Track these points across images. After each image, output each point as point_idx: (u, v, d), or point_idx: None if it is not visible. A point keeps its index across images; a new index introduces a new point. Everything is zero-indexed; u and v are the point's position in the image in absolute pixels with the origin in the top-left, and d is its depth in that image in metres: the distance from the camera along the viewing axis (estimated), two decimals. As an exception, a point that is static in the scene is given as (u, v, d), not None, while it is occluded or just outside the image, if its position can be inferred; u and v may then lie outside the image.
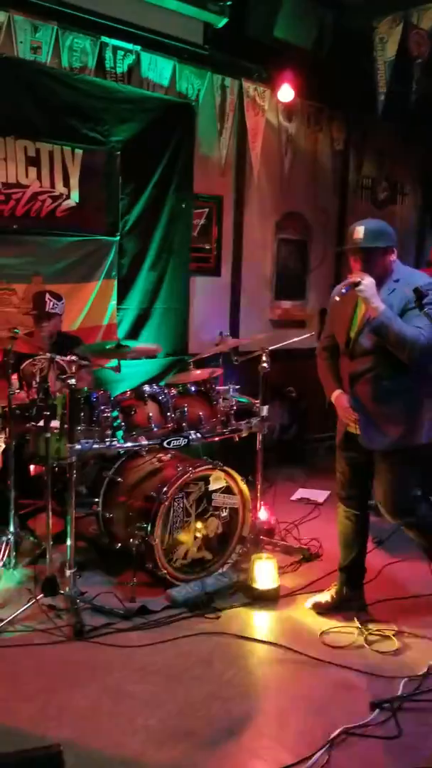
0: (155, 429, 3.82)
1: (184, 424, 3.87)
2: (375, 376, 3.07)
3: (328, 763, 2.37)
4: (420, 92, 5.40)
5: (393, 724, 2.58)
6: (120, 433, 3.74)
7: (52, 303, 4.22)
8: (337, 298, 3.07)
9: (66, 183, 4.77)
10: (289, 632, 3.29)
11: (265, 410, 4.09)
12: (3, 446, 3.99)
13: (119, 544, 3.79)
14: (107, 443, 3.63)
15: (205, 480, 3.74)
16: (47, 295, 4.23)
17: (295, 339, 4.65)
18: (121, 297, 5.23)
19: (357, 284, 2.93)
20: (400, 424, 3.09)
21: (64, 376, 3.48)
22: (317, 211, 6.89)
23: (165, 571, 3.57)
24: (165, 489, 3.57)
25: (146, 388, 3.95)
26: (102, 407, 3.65)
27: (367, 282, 2.93)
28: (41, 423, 3.56)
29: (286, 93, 5.94)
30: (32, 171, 4.60)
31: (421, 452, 3.18)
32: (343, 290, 3.01)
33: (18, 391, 3.78)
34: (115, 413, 3.78)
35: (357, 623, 3.32)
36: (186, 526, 3.68)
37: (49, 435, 3.52)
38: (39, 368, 3.86)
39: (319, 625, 3.32)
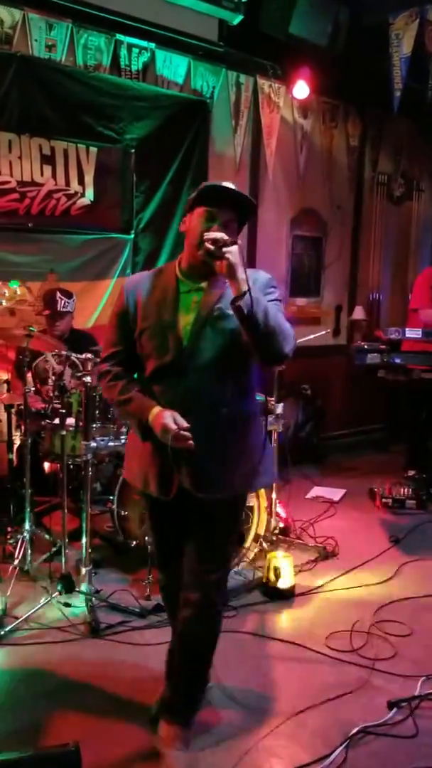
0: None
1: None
2: (220, 400, 2.21)
3: (345, 761, 2.35)
4: (436, 88, 5.37)
5: (410, 723, 2.56)
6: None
7: (63, 302, 4.22)
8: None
9: (81, 181, 4.77)
10: (306, 630, 3.27)
11: (279, 408, 4.08)
12: (18, 443, 4.01)
13: (134, 542, 3.79)
14: (122, 440, 3.63)
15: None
16: (58, 294, 4.23)
17: (311, 336, 4.64)
18: (136, 295, 5.22)
19: (225, 243, 2.05)
20: (247, 463, 2.30)
21: (79, 374, 3.49)
22: (332, 207, 6.85)
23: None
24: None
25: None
26: (117, 405, 3.64)
27: (237, 247, 2.06)
28: (56, 421, 3.57)
29: (301, 89, 5.92)
30: (47, 169, 4.60)
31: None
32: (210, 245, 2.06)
33: (32, 389, 3.78)
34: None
35: (371, 622, 3.29)
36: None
37: (64, 432, 3.52)
38: (51, 366, 3.88)
39: (335, 624, 3.30)
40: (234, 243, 2.06)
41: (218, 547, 2.35)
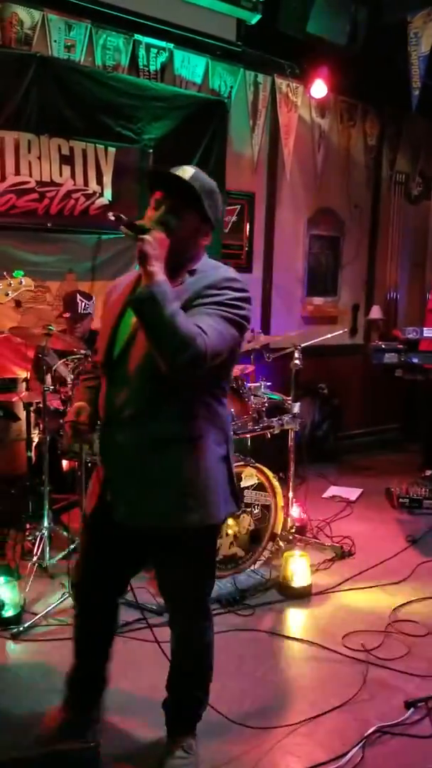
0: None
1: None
2: (145, 416, 1.97)
3: (362, 761, 2.36)
4: (455, 87, 5.34)
5: (427, 722, 2.55)
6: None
7: (83, 304, 4.26)
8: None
9: (99, 181, 4.81)
10: (323, 630, 3.27)
11: (296, 407, 4.08)
12: (37, 441, 4.04)
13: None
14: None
15: (238, 477, 3.73)
16: (78, 296, 4.26)
17: (328, 336, 4.64)
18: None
19: (142, 230, 1.83)
20: (174, 494, 2.02)
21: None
22: (350, 207, 6.84)
23: (197, 567, 3.57)
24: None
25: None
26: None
27: (158, 236, 1.85)
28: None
29: (318, 89, 5.92)
30: (66, 169, 4.64)
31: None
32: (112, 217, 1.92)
33: (51, 388, 3.82)
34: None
35: (388, 621, 3.29)
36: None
37: (82, 430, 3.54)
38: (72, 368, 3.91)
39: (352, 623, 3.30)
40: (150, 230, 1.84)
41: (177, 584, 2.18)
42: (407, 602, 3.50)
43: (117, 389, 2.00)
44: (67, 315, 4.26)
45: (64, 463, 4.08)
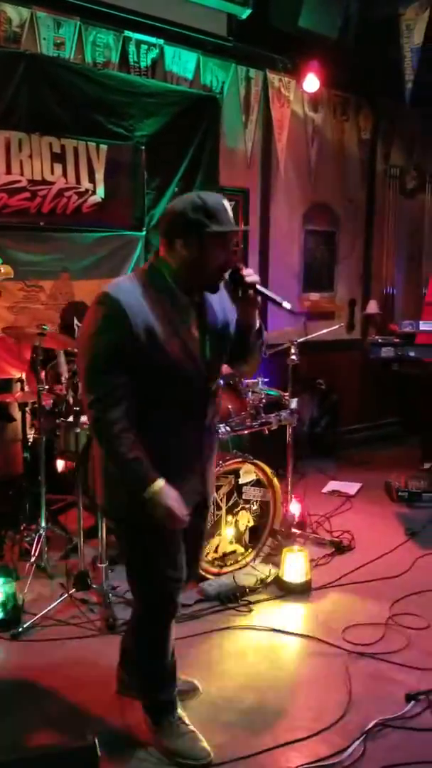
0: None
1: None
2: (212, 407, 2.29)
3: (364, 754, 2.35)
4: (448, 79, 5.32)
5: (428, 715, 2.55)
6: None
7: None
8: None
9: (91, 179, 4.78)
10: (322, 625, 3.26)
11: (294, 403, 4.06)
12: (32, 441, 4.03)
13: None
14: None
15: (236, 473, 3.72)
16: (76, 321, 4.24)
17: (324, 331, 4.62)
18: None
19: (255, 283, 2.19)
20: None
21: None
22: (345, 201, 6.82)
23: (196, 565, 3.56)
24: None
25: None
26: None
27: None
28: (71, 419, 3.58)
29: (311, 83, 5.89)
30: (57, 167, 4.61)
31: None
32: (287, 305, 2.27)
33: (46, 388, 3.80)
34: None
35: (388, 615, 3.28)
36: (217, 519, 3.66)
37: (78, 430, 3.53)
38: (62, 365, 3.88)
39: (352, 618, 3.29)
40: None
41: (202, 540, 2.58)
42: (407, 595, 3.48)
43: (210, 398, 2.25)
44: (59, 324, 4.24)
45: (61, 463, 4.06)
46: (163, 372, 2.08)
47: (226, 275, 2.15)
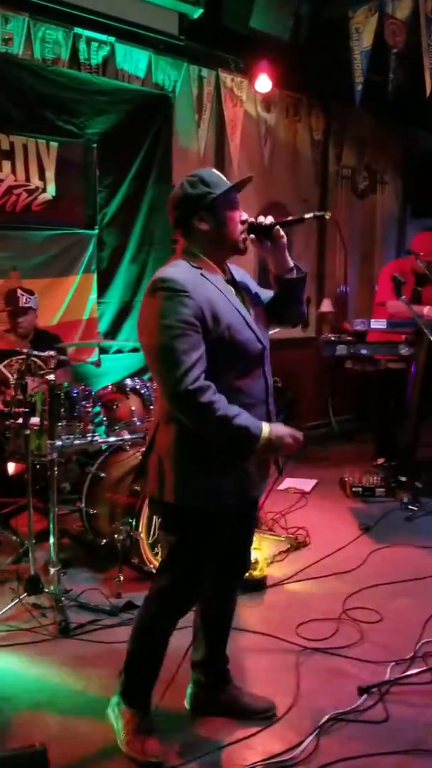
0: (138, 423, 3.79)
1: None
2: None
3: (317, 749, 2.36)
4: (397, 82, 5.39)
5: (381, 708, 2.57)
6: (102, 428, 3.70)
7: (25, 297, 4.18)
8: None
9: (42, 176, 4.72)
10: (276, 621, 3.26)
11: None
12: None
13: (104, 540, 3.75)
14: (89, 438, 3.60)
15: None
16: (19, 291, 4.19)
17: (278, 329, 4.63)
18: (102, 291, 5.19)
19: (274, 224, 2.31)
20: None
21: (42, 372, 3.44)
22: (298, 201, 6.86)
23: (151, 566, 3.53)
24: (149, 482, 3.53)
25: (128, 381, 3.92)
26: (83, 402, 3.61)
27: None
28: (20, 420, 3.51)
29: (263, 83, 5.92)
30: (6, 164, 4.54)
31: None
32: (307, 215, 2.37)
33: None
34: (97, 408, 3.74)
35: (342, 610, 3.31)
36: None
37: (28, 432, 3.46)
38: (17, 369, 3.81)
39: (306, 613, 3.30)
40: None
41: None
42: (360, 590, 3.52)
43: (266, 363, 2.28)
44: (8, 309, 4.16)
45: (11, 466, 3.99)
46: (228, 341, 2.12)
47: (245, 234, 2.25)
